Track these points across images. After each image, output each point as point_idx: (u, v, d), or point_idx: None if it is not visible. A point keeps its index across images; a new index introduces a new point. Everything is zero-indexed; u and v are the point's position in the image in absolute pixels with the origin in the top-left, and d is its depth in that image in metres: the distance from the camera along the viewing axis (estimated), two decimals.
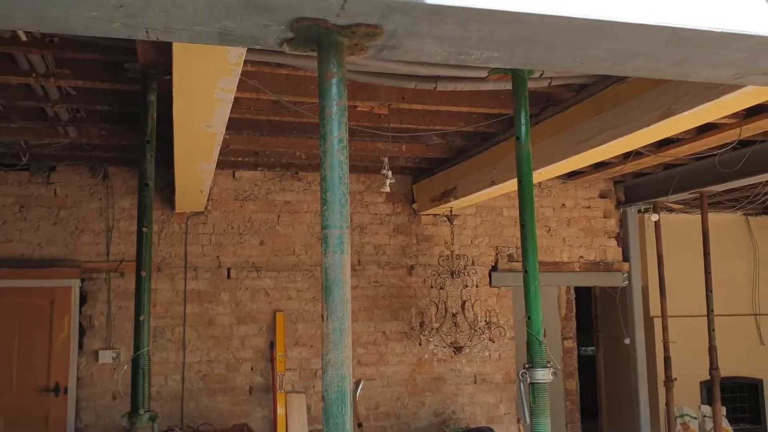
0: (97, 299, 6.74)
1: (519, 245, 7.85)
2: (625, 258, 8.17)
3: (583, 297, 9.65)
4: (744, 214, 10.17)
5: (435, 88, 4.24)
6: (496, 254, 7.83)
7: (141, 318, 3.16)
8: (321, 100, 1.63)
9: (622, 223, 8.21)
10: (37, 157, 6.36)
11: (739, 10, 1.77)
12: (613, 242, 8.20)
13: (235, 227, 7.14)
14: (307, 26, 1.58)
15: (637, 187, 7.99)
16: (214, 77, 2.99)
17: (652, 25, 1.67)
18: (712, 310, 6.98)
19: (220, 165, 6.96)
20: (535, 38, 1.72)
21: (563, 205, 8.09)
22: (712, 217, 8.45)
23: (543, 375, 2.86)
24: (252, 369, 7.02)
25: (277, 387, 6.94)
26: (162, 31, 1.60)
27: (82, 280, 6.69)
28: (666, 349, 7.53)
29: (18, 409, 6.33)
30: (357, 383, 7.22)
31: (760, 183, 7.07)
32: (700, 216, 7.51)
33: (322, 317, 1.56)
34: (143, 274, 3.22)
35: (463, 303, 6.96)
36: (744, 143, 5.96)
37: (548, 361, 2.86)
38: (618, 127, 4.16)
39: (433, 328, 6.69)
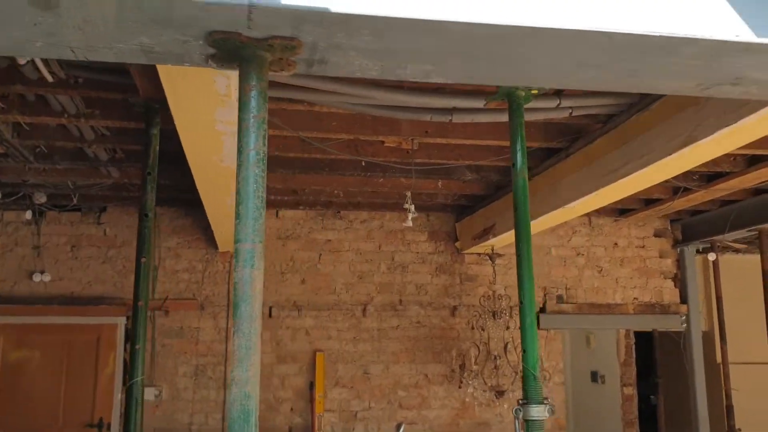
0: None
1: (569, 286, 7.67)
2: (683, 300, 7.77)
3: (646, 342, 9.21)
4: None
5: (451, 120, 4.19)
6: (545, 295, 7.59)
7: (137, 347, 3.18)
8: (240, 113, 1.62)
9: (680, 263, 7.83)
10: (87, 197, 6.62)
11: (685, 14, 1.67)
12: (670, 283, 7.82)
13: (277, 266, 7.19)
14: (224, 41, 1.58)
15: (694, 225, 7.63)
16: (210, 109, 3.04)
17: (583, 30, 1.59)
18: None
19: None
20: (463, 49, 1.66)
21: (615, 244, 7.80)
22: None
23: (538, 412, 2.71)
24: (291, 409, 6.98)
25: (316, 428, 6.87)
26: (85, 50, 1.63)
27: (128, 318, 6.85)
28: (728, 397, 7.07)
29: None
30: (398, 426, 7.05)
31: None
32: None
33: (228, 333, 1.51)
34: (140, 304, 3.26)
35: (506, 345, 6.75)
36: None
37: (545, 398, 2.71)
38: (642, 157, 3.99)
39: (472, 371, 6.50)
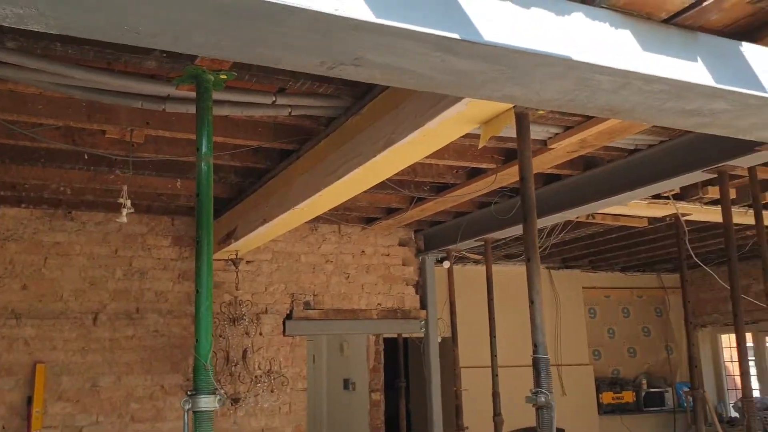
0: None
1: (317, 292, 7.74)
2: (423, 306, 8.18)
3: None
4: (546, 267, 10.63)
5: (164, 109, 4.00)
6: (292, 302, 7.58)
7: None
8: None
9: (421, 270, 8.26)
10: None
11: None
12: (412, 290, 8.21)
13: None
14: None
15: (434, 235, 8.09)
16: None
17: None
18: (496, 356, 7.05)
19: None
20: None
21: (363, 252, 8.03)
22: (516, 269, 8.73)
23: (207, 402, 2.62)
24: (3, 428, 6.27)
25: None
26: None
27: None
28: (457, 397, 7.54)
29: None
30: None
31: (544, 233, 7.34)
32: (506, 267, 7.71)
33: None
34: None
35: (244, 352, 6.62)
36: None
37: (215, 389, 2.62)
38: (354, 159, 4.10)
39: None
